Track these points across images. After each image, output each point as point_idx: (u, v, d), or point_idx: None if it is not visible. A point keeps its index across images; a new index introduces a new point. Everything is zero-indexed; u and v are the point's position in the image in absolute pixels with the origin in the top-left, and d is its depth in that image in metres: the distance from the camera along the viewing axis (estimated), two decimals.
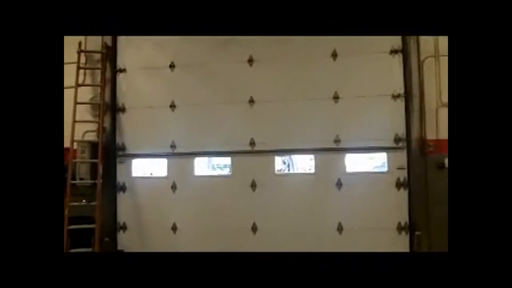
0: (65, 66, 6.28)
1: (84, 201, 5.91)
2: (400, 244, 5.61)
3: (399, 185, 5.70)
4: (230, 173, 6.19)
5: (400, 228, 5.65)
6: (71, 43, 6.37)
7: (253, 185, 5.98)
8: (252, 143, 6.03)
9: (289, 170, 6.28)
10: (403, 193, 5.70)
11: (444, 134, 5.61)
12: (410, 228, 5.62)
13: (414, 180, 5.67)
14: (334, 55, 5.89)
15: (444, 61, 5.58)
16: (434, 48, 5.66)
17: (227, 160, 6.39)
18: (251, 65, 6.10)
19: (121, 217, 6.35)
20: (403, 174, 5.71)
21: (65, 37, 6.58)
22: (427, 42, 5.71)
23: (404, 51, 5.75)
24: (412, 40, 5.71)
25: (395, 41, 5.76)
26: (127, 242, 6.28)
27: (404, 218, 5.67)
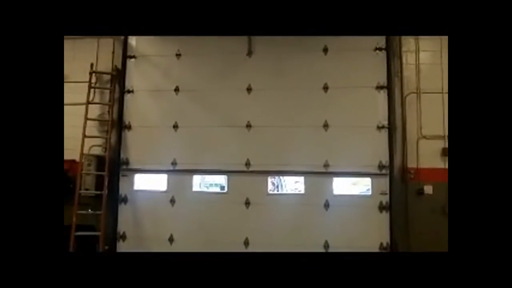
0: (76, 84, 6.92)
1: (90, 210, 6.31)
2: None
3: (381, 208, 6.16)
4: (225, 191, 6.59)
5: (382, 248, 6.06)
6: (83, 64, 6.92)
7: (247, 203, 6.41)
8: (248, 163, 6.48)
9: (278, 191, 6.64)
10: (385, 216, 6.14)
11: (423, 163, 6.16)
12: (391, 248, 6.03)
13: (395, 204, 6.12)
14: (326, 87, 6.43)
15: (425, 98, 6.25)
16: (416, 86, 6.28)
17: (218, 179, 6.78)
18: (249, 93, 6.61)
19: (121, 227, 6.70)
20: (385, 199, 6.16)
21: (77, 58, 7.13)
22: (410, 80, 6.32)
23: (388, 87, 6.30)
24: (396, 77, 6.29)
25: (381, 77, 6.33)
26: (125, 251, 6.60)
27: (386, 239, 6.08)
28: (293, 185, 6.62)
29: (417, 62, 6.40)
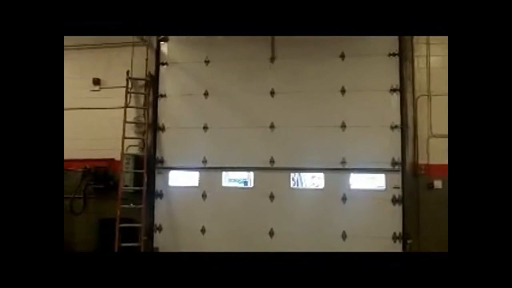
0: (113, 90, 7.57)
1: (132, 204, 7.00)
2: (395, 250, 6.56)
3: (394, 201, 6.69)
4: (252, 186, 7.22)
5: (395, 237, 6.62)
6: (119, 71, 7.56)
7: (272, 197, 7.03)
8: (272, 161, 7.09)
9: (297, 186, 7.14)
10: (398, 208, 6.68)
11: (433, 160, 6.66)
12: (403, 237, 6.57)
13: (407, 197, 6.64)
14: (343, 91, 6.97)
15: (435, 100, 6.71)
16: (427, 89, 6.76)
17: (242, 175, 7.39)
18: (272, 96, 7.20)
19: (158, 220, 7.41)
20: (398, 192, 6.70)
21: (113, 66, 7.73)
22: (421, 83, 6.80)
23: (401, 90, 6.81)
24: (408, 81, 6.78)
25: (394, 81, 6.83)
26: (162, 241, 7.34)
27: (398, 229, 6.63)
28: (311, 180, 7.17)
29: (428, 66, 6.83)
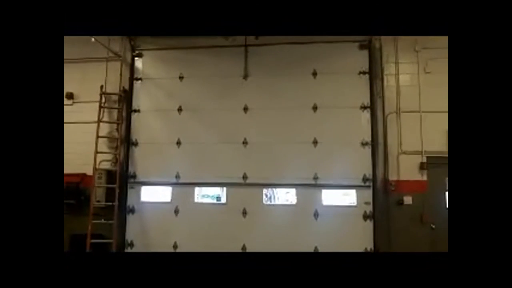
0: (86, 104, 7.52)
1: (103, 219, 6.91)
2: None
3: (365, 217, 6.80)
4: (224, 202, 7.22)
5: None
6: (92, 86, 7.52)
7: (244, 212, 7.04)
8: (245, 176, 7.12)
9: (270, 202, 7.18)
10: (369, 224, 6.78)
11: (403, 176, 6.79)
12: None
13: (378, 213, 6.75)
14: (315, 107, 7.09)
15: (404, 117, 6.88)
16: (396, 106, 6.93)
17: (215, 191, 7.36)
18: (245, 112, 7.28)
19: (129, 236, 7.33)
20: (369, 208, 6.81)
21: (87, 80, 7.68)
22: (391, 101, 6.96)
23: (371, 107, 6.97)
24: (378, 98, 6.94)
25: (365, 98, 7.00)
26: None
27: (369, 244, 6.71)
28: (284, 196, 7.21)
29: (397, 84, 7.03)
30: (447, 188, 6.46)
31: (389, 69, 7.09)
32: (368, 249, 6.70)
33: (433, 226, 6.61)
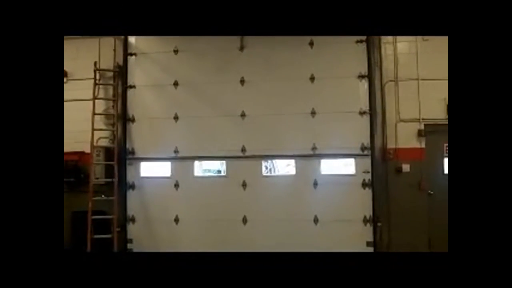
0: (81, 81, 7.44)
1: (103, 196, 6.95)
2: (365, 233, 6.77)
3: (364, 185, 6.85)
4: (224, 174, 7.24)
5: (365, 221, 6.79)
6: (86, 62, 7.42)
7: (244, 185, 7.08)
8: (243, 149, 7.12)
9: (271, 173, 7.20)
10: (368, 192, 6.85)
11: (401, 144, 6.86)
12: (373, 220, 6.76)
13: (376, 182, 6.81)
14: (312, 78, 7.04)
15: (402, 85, 6.89)
16: (394, 75, 6.91)
17: (215, 165, 7.37)
18: (242, 85, 7.21)
19: (131, 211, 7.36)
20: (367, 177, 6.86)
21: (81, 57, 7.58)
22: (389, 69, 6.94)
23: (369, 76, 6.93)
24: (376, 67, 6.90)
25: (362, 68, 6.95)
26: (135, 232, 7.30)
27: (368, 212, 6.81)
28: (285, 168, 7.23)
29: (395, 52, 7.00)
30: (444, 155, 6.67)
31: (386, 37, 7.02)
32: (367, 217, 6.79)
33: (431, 192, 6.73)
